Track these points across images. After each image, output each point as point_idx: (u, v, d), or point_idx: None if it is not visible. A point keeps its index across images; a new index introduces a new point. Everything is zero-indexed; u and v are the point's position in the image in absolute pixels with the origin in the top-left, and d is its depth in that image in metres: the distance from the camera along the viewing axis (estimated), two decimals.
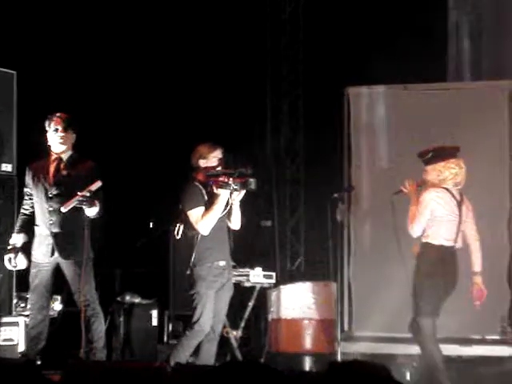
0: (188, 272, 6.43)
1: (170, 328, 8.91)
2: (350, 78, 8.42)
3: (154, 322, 8.52)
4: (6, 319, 7.22)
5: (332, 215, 7.48)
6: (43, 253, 6.63)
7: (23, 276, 6.91)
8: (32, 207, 6.72)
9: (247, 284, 8.25)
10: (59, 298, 7.65)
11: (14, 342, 7.16)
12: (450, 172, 6.47)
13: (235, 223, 6.54)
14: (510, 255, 7.58)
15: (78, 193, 6.39)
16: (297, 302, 8.26)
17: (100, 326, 6.69)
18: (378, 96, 8.11)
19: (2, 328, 7.16)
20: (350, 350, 7.54)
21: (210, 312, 6.38)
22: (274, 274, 8.55)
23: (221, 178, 6.36)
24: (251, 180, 6.33)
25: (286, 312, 8.27)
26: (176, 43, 9.73)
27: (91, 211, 6.47)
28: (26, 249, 6.70)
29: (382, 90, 8.10)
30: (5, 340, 7.13)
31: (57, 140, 6.68)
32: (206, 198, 6.43)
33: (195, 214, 6.40)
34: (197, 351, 6.48)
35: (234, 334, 8.07)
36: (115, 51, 9.52)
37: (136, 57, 9.63)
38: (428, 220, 6.43)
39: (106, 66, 9.45)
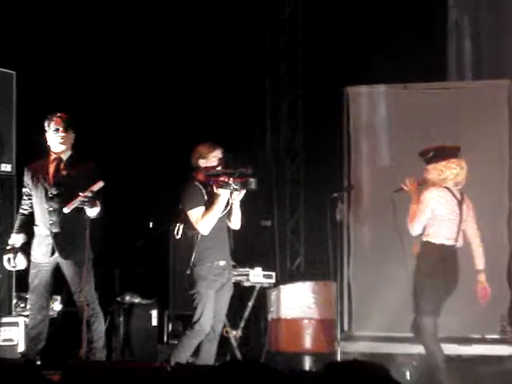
0: (188, 272, 6.43)
1: (170, 328, 8.91)
2: (350, 77, 8.42)
3: (154, 322, 8.52)
4: (5, 319, 7.22)
5: (332, 215, 7.48)
6: (43, 253, 6.63)
7: (23, 276, 6.91)
8: (31, 207, 6.71)
9: (247, 284, 8.24)
10: (59, 298, 7.65)
11: (14, 343, 7.16)
12: (450, 172, 6.47)
13: (235, 223, 6.54)
14: (509, 254, 7.59)
15: (80, 193, 6.39)
16: (297, 301, 8.26)
17: (100, 326, 6.69)
18: (377, 95, 8.11)
19: (2, 328, 7.15)
20: (349, 350, 7.54)
21: (211, 312, 6.38)
22: (273, 273, 8.54)
23: (221, 178, 6.36)
24: (251, 180, 6.34)
25: (285, 312, 8.27)
26: (176, 43, 9.73)
27: (93, 211, 6.47)
28: (26, 249, 6.70)
29: (381, 89, 8.10)
30: (5, 340, 7.13)
31: (57, 140, 6.67)
32: (206, 197, 6.43)
33: (195, 214, 6.40)
34: (197, 351, 6.48)
35: (234, 334, 8.07)
36: (114, 50, 9.52)
37: (135, 56, 9.63)
38: (429, 219, 6.43)
39: (105, 66, 9.45)
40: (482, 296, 6.55)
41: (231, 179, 6.32)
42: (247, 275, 8.21)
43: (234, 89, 9.64)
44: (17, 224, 6.77)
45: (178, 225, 6.53)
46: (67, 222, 6.56)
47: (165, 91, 9.71)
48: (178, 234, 6.53)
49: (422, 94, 7.92)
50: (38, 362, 6.55)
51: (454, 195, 6.49)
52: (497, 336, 7.57)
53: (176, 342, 6.88)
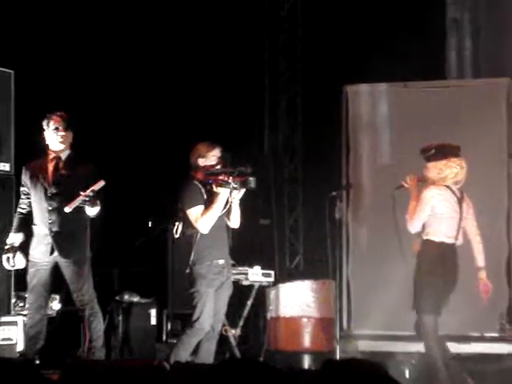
0: (187, 270, 6.42)
1: (169, 327, 8.90)
2: (348, 74, 8.41)
3: (153, 321, 8.52)
4: (4, 319, 7.21)
5: (331, 213, 7.47)
6: (42, 252, 6.62)
7: (22, 275, 6.90)
8: (29, 206, 6.70)
9: (246, 282, 8.24)
10: (58, 297, 7.65)
11: (13, 342, 7.15)
12: (450, 171, 6.47)
13: (234, 222, 6.54)
14: (508, 253, 7.59)
15: (81, 192, 6.38)
16: (296, 300, 8.25)
17: (99, 325, 6.69)
18: (377, 94, 8.10)
19: (1, 327, 7.15)
20: (348, 348, 7.54)
21: (210, 310, 6.37)
22: (272, 272, 8.54)
23: (220, 177, 6.36)
24: (251, 179, 6.33)
25: (284, 310, 8.27)
26: (174, 41, 9.72)
27: (93, 211, 6.46)
28: (24, 248, 6.70)
29: (381, 87, 8.09)
30: (3, 339, 7.12)
31: (57, 139, 6.66)
32: (205, 196, 6.43)
33: (195, 213, 6.39)
34: (196, 350, 6.48)
35: (233, 333, 8.06)
36: (112, 49, 9.51)
37: (134, 55, 9.62)
38: (429, 216, 6.43)
39: (103, 65, 9.44)
40: (484, 292, 6.54)
41: (231, 178, 6.32)
42: (246, 274, 8.20)
43: (232, 86, 9.63)
44: (15, 223, 6.76)
45: (177, 224, 6.53)
46: (67, 222, 6.55)
47: (163, 89, 9.70)
48: (177, 232, 6.53)
49: (421, 93, 7.91)
50: (37, 362, 6.55)
51: (453, 193, 6.48)
52: (496, 334, 7.57)
53: (175, 341, 6.88)
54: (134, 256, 9.12)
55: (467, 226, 6.54)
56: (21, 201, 6.77)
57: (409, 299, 6.48)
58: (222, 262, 6.46)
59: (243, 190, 6.38)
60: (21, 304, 7.47)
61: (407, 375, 7.34)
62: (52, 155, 6.71)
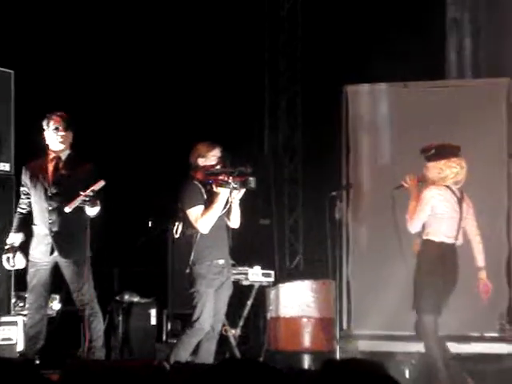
0: (187, 270, 6.42)
1: (169, 327, 8.90)
2: (348, 74, 8.41)
3: (153, 321, 8.52)
4: (4, 319, 7.21)
5: (331, 214, 7.47)
6: (42, 252, 6.62)
7: (22, 275, 6.90)
8: (29, 206, 6.70)
9: (246, 282, 8.24)
10: (58, 297, 7.65)
11: (13, 342, 7.15)
12: (450, 171, 6.46)
13: (234, 222, 6.54)
14: (508, 253, 7.59)
15: (81, 192, 6.38)
16: (295, 300, 8.25)
17: (99, 325, 6.69)
18: (377, 94, 8.09)
19: (1, 327, 7.15)
20: (348, 348, 7.53)
21: (210, 310, 6.37)
22: (272, 272, 8.54)
23: (221, 177, 6.36)
24: (251, 179, 6.33)
25: (284, 310, 8.27)
26: (174, 40, 9.72)
27: (93, 211, 6.47)
28: (24, 248, 6.70)
29: (380, 87, 8.09)
30: (3, 339, 7.12)
31: (57, 139, 6.66)
32: (205, 196, 6.43)
33: (195, 213, 6.39)
34: (196, 350, 6.48)
35: (233, 333, 8.06)
36: (112, 49, 9.51)
37: (134, 55, 9.62)
38: (429, 216, 6.43)
39: (103, 64, 9.43)
40: (484, 292, 6.54)
41: (231, 178, 6.32)
42: (246, 274, 8.20)
43: (232, 86, 9.63)
44: (15, 223, 6.76)
45: (177, 224, 6.52)
46: (67, 222, 6.55)
47: (163, 89, 9.70)
48: (177, 232, 6.52)
49: (421, 93, 7.91)
50: (37, 362, 6.55)
51: (453, 193, 6.48)
52: (496, 334, 7.57)
53: (175, 341, 6.88)
54: (134, 256, 9.12)
55: (467, 225, 6.54)
56: (21, 201, 6.77)
57: (409, 299, 6.47)
58: (221, 262, 6.46)
59: (243, 190, 6.38)
60: (21, 304, 7.47)
61: (407, 375, 7.34)
62: (52, 155, 6.71)
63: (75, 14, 9.31)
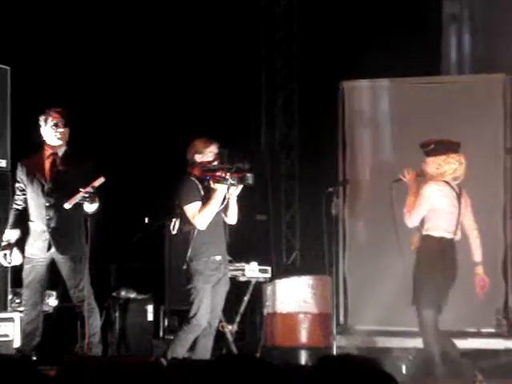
0: (184, 267, 6.42)
1: (166, 323, 8.90)
2: (345, 71, 8.41)
3: (150, 317, 8.52)
4: (1, 315, 7.21)
5: (327, 209, 7.47)
6: (39, 248, 6.61)
7: (18, 272, 6.90)
8: (25, 202, 6.69)
9: (243, 278, 8.24)
10: (54, 293, 7.65)
11: (10, 338, 7.15)
12: (449, 166, 6.46)
13: (232, 218, 6.54)
14: (504, 249, 7.60)
15: (81, 189, 6.38)
16: (292, 296, 8.26)
17: (95, 321, 6.69)
18: (373, 90, 8.10)
19: None
20: (345, 344, 7.54)
21: (207, 307, 6.38)
22: (269, 268, 8.54)
23: (218, 173, 6.36)
24: (248, 175, 6.32)
25: (281, 306, 8.28)
26: (171, 38, 9.71)
27: (92, 207, 6.46)
28: (20, 245, 6.69)
29: (377, 83, 8.09)
30: (0, 336, 7.12)
31: (56, 135, 6.65)
32: (202, 192, 6.43)
33: (192, 209, 6.39)
34: (193, 346, 6.48)
35: (230, 329, 8.07)
36: (110, 46, 9.50)
37: (131, 52, 9.61)
38: (429, 211, 6.43)
39: (100, 61, 9.43)
40: (480, 287, 6.55)
41: (228, 174, 6.31)
42: (243, 270, 8.21)
43: (229, 83, 9.63)
44: (11, 220, 6.74)
45: (174, 220, 6.52)
46: (64, 218, 6.55)
47: (160, 86, 9.69)
48: (174, 229, 6.52)
49: (418, 88, 7.91)
50: (34, 358, 6.55)
51: (452, 189, 6.49)
52: (492, 330, 7.58)
53: (172, 337, 6.88)
54: (131, 252, 9.12)
55: (465, 220, 6.55)
56: (16, 197, 6.75)
57: (406, 294, 6.48)
58: (219, 258, 6.46)
59: (241, 187, 6.37)
60: (17, 300, 7.46)
61: (404, 371, 7.34)
62: (49, 151, 6.70)
63: (71, 9, 9.30)
